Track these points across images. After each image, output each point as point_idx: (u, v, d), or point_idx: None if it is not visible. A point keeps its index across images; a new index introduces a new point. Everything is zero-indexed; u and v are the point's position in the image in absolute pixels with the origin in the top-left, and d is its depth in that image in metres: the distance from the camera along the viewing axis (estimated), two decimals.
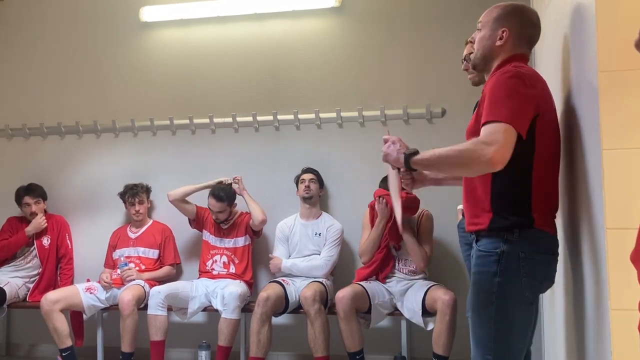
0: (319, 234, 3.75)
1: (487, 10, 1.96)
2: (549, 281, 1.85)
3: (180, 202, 3.89)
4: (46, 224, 4.06)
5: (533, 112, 1.74)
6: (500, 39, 1.88)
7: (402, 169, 2.05)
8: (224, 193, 3.80)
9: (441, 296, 3.20)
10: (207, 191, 3.88)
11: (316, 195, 3.82)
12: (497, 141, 1.63)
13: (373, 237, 3.49)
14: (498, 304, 1.74)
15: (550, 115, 1.83)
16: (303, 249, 3.77)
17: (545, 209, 1.81)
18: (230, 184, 3.86)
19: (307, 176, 3.81)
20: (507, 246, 1.75)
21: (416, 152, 1.85)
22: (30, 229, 4.01)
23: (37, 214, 4.07)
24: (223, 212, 3.85)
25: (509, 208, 1.76)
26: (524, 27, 1.90)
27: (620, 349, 1.52)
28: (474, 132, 1.83)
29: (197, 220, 3.99)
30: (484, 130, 1.68)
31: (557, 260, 1.85)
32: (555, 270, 1.85)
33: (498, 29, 1.89)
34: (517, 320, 1.75)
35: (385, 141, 1.98)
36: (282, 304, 3.51)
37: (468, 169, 1.75)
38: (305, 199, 3.79)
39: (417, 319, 3.34)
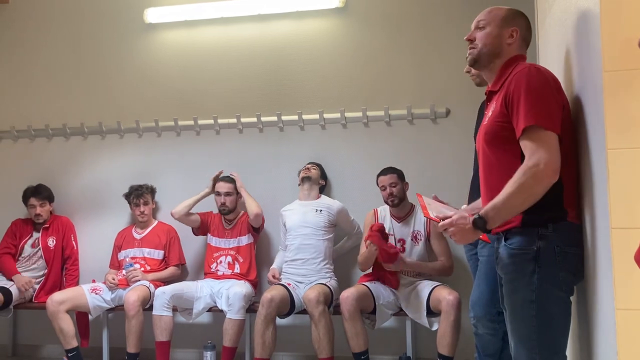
0: (320, 210, 3.74)
1: (486, 11, 1.99)
2: (582, 274, 1.85)
3: (185, 216, 3.91)
4: (32, 284, 3.98)
5: (562, 106, 1.76)
6: (511, 37, 1.93)
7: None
8: (229, 176, 3.92)
9: (445, 296, 3.19)
10: (205, 204, 3.96)
11: (316, 180, 3.83)
12: (541, 159, 1.66)
13: (366, 256, 3.47)
14: (539, 302, 1.74)
15: (567, 107, 1.85)
16: (299, 225, 3.72)
17: (574, 201, 1.82)
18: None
19: (309, 165, 3.88)
20: (542, 242, 1.75)
21: (484, 220, 1.71)
22: (17, 283, 3.92)
23: (41, 216, 4.09)
24: (231, 194, 3.88)
25: (541, 203, 1.74)
26: (527, 30, 1.98)
27: (626, 348, 1.52)
28: (492, 132, 1.85)
29: (202, 227, 4.00)
30: (525, 148, 1.70)
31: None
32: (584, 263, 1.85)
33: (507, 27, 1.93)
34: (558, 316, 1.76)
35: (442, 219, 1.82)
36: (287, 305, 3.51)
37: (537, 197, 1.70)
38: (304, 179, 3.80)
39: (422, 320, 3.33)
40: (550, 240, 1.75)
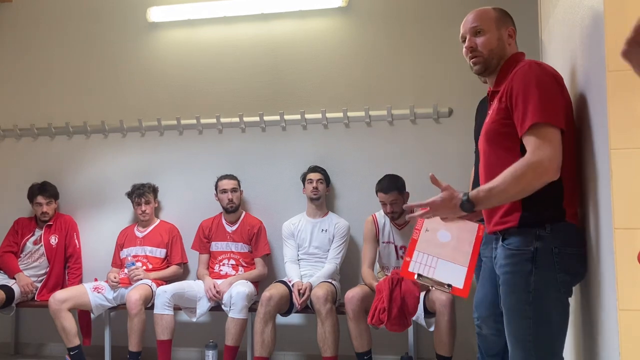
0: (325, 230, 3.75)
1: (476, 14, 1.96)
2: (581, 275, 1.84)
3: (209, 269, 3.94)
4: (33, 287, 3.98)
5: (565, 103, 1.75)
6: (510, 37, 1.95)
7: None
8: (231, 174, 3.92)
9: (438, 296, 3.18)
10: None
11: (323, 196, 3.82)
12: (545, 155, 1.64)
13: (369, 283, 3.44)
14: (536, 303, 1.72)
15: (569, 104, 1.84)
16: (308, 246, 3.77)
17: (574, 201, 1.81)
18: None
19: (315, 176, 3.79)
20: (540, 242, 1.73)
21: (472, 203, 1.74)
22: (18, 282, 3.95)
23: (47, 214, 4.10)
24: (236, 190, 3.90)
25: (541, 202, 1.73)
26: (515, 26, 2.00)
27: (628, 349, 1.51)
28: (493, 130, 1.84)
29: (208, 241, 3.99)
30: (529, 143, 1.68)
31: (585, 253, 1.84)
32: (586, 263, 1.84)
33: (504, 28, 1.94)
34: (556, 317, 1.74)
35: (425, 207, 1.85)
36: (287, 303, 3.51)
37: (531, 192, 1.70)
38: (312, 200, 3.79)
39: (421, 320, 3.33)
40: (548, 241, 1.73)
